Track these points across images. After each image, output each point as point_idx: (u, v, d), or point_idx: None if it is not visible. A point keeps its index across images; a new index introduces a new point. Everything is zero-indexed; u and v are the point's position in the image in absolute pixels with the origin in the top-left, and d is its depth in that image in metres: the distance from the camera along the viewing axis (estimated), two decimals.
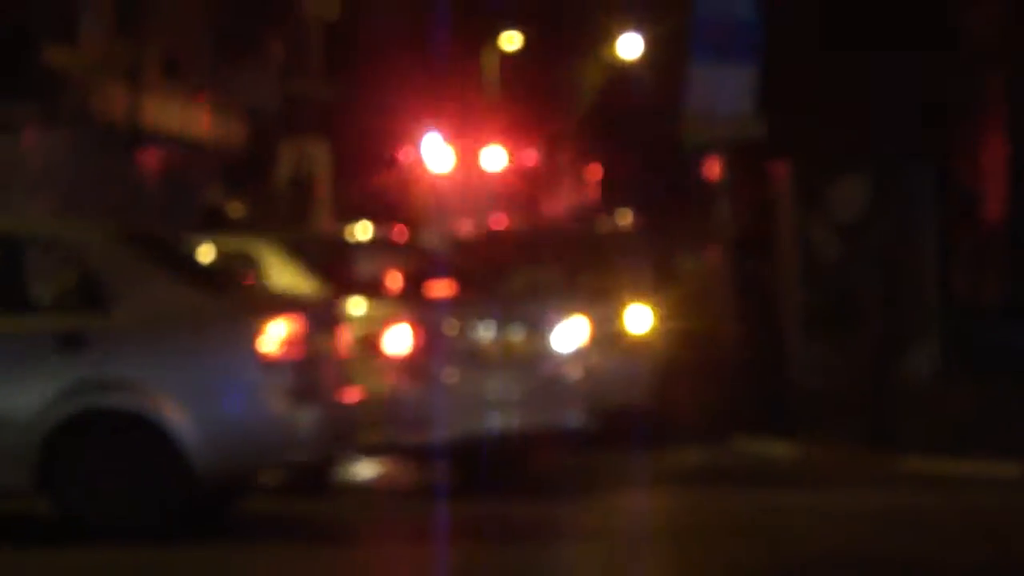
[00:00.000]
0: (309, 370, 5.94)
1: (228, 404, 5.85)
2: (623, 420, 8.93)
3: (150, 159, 16.93)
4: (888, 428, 9.17)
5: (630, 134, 23.72)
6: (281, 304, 6.44)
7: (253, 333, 5.73)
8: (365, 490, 8.55)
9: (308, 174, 21.34)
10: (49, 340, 5.71)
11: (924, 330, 11.01)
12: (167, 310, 5.89)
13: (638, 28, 23.65)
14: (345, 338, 6.80)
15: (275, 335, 5.76)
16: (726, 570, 5.69)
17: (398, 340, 7.60)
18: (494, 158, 27.55)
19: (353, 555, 6.28)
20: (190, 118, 19.58)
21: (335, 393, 6.43)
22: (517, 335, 8.23)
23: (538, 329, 8.21)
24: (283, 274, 8.04)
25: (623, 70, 25.28)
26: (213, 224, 14.37)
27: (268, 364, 5.75)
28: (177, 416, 5.52)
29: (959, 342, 11.45)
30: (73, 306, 6.06)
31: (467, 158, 26.16)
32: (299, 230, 16.46)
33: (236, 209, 17.45)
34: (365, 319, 7.58)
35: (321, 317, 6.47)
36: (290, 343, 5.81)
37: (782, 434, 9.57)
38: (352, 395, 6.66)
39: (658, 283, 10.49)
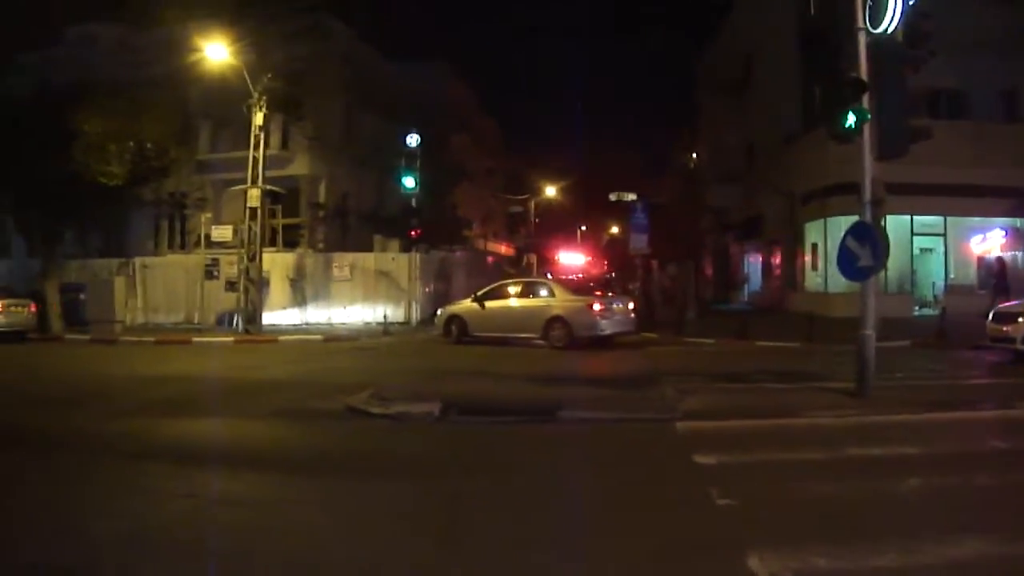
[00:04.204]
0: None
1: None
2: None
3: (489, 258, 34.27)
4: (681, 332, 19.79)
5: (618, 252, 48.68)
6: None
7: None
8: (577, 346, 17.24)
9: (529, 262, 41.32)
10: None
11: (689, 306, 25.39)
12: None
13: (617, 225, 49.63)
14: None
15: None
16: (644, 364, 14.59)
17: (594, 307, 18.11)
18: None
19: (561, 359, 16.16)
20: (499, 249, 41.44)
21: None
22: (619, 306, 18.60)
23: (621, 304, 18.88)
24: (558, 287, 19.33)
25: (615, 236, 52.60)
26: (505, 278, 28.14)
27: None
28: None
29: (701, 309, 26.64)
30: None
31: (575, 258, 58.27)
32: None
33: (512, 272, 34.27)
34: (581, 299, 18.30)
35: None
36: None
37: (653, 332, 20.21)
38: None
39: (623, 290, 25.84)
